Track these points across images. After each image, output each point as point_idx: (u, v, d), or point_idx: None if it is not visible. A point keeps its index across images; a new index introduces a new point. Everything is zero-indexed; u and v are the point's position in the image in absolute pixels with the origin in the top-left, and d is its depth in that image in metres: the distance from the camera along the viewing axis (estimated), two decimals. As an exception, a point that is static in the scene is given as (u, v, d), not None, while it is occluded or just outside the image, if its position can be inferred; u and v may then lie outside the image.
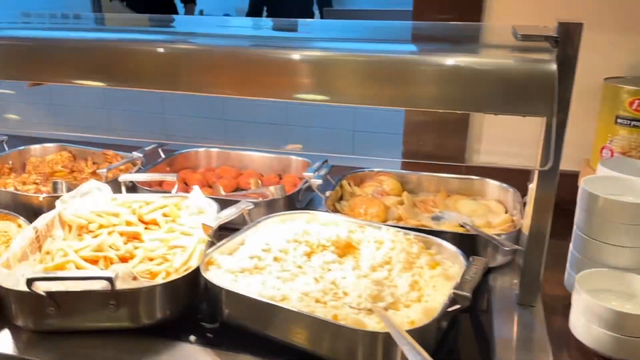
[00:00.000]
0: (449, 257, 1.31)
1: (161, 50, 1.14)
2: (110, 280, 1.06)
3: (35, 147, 2.09)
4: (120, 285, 1.08)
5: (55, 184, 1.59)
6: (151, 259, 1.40)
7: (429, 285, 1.22)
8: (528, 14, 1.79)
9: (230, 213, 1.40)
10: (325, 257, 1.32)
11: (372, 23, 1.88)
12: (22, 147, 2.08)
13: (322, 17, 4.37)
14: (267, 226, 1.47)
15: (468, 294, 1.03)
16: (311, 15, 5.04)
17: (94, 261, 1.40)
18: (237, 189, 1.97)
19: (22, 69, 1.27)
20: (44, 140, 2.13)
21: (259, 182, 1.87)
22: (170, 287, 1.16)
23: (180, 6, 4.94)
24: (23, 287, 1.11)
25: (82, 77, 1.23)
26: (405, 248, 1.30)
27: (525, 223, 1.26)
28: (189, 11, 4.84)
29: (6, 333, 1.20)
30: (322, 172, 1.69)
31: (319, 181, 1.64)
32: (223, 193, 1.80)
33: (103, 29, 1.62)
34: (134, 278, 1.11)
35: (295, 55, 1.10)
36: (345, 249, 1.37)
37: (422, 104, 1.07)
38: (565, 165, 1.19)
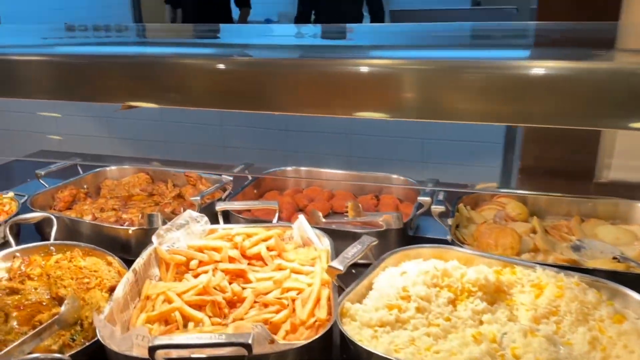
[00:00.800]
0: (628, 306, 1.09)
1: (222, 66, 0.96)
2: (247, 347, 0.88)
3: (111, 169, 1.94)
4: (257, 350, 0.90)
5: (150, 217, 1.43)
6: (265, 305, 1.22)
7: (616, 344, 1.00)
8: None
9: (356, 251, 1.20)
10: (473, 306, 1.12)
11: (469, 25, 1.66)
12: (96, 170, 1.94)
13: (391, 19, 4.14)
14: (393, 264, 1.27)
15: None
16: (361, 18, 4.83)
17: (199, 306, 1.23)
18: (331, 212, 1.79)
19: (72, 89, 1.12)
20: (118, 161, 1.98)
21: (359, 206, 1.67)
22: (310, 349, 0.97)
23: (234, 10, 4.78)
24: (138, 353, 0.94)
25: (138, 97, 1.07)
26: (577, 296, 1.08)
27: None
28: (244, 15, 4.68)
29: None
30: (440, 196, 1.48)
31: (441, 208, 1.43)
32: (323, 220, 1.61)
33: (153, 43, 1.47)
34: (271, 341, 0.92)
35: (387, 66, 0.89)
36: (495, 294, 1.17)
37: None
38: None
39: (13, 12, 5.38)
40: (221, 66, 0.97)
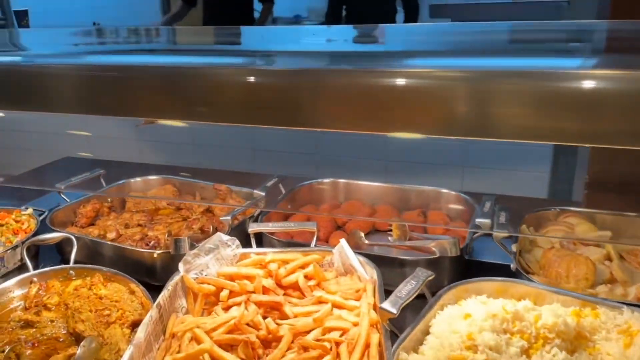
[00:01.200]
0: None
1: (253, 79, 0.81)
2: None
3: (136, 181, 1.82)
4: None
5: (177, 242, 1.30)
6: (304, 347, 1.07)
7: None
8: None
9: (410, 289, 1.04)
10: (550, 356, 0.95)
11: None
12: (121, 182, 1.82)
13: (430, 14, 3.94)
14: (451, 302, 1.11)
15: None
16: (395, 14, 4.64)
17: (230, 345, 1.09)
18: (373, 230, 1.63)
19: (101, 103, 0.98)
20: (143, 171, 1.86)
21: (405, 225, 1.51)
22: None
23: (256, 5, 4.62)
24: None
25: (165, 112, 0.94)
26: (681, 350, 0.90)
27: None
28: (267, 11, 4.52)
29: None
30: (502, 217, 1.31)
31: (504, 233, 1.25)
32: (366, 242, 1.45)
33: (182, 51, 1.34)
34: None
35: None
36: (575, 341, 0.99)
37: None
38: None
39: (43, 10, 5.36)
40: (252, 79, 0.83)
